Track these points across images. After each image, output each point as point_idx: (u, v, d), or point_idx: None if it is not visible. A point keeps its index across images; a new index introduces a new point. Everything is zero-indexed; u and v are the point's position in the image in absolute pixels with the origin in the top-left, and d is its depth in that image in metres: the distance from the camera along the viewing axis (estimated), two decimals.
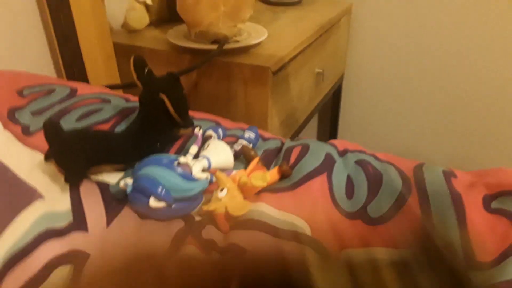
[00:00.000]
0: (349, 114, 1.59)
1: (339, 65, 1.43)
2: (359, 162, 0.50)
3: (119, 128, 0.52)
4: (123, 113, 0.56)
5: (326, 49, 1.22)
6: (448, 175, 0.47)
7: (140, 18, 1.02)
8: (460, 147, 1.44)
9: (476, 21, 1.26)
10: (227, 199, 0.41)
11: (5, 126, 0.51)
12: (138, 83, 0.48)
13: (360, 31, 1.43)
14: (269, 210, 0.42)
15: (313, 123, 1.68)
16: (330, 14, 1.20)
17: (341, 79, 1.48)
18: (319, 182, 0.46)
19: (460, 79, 1.35)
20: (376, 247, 0.39)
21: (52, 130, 0.39)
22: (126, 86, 0.77)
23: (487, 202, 0.43)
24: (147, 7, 1.03)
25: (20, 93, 0.58)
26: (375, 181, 0.46)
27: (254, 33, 0.97)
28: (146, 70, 0.47)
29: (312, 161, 0.49)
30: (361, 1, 1.38)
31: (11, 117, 0.53)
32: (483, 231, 0.39)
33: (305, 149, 0.51)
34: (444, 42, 1.32)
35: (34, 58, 0.86)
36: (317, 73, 1.16)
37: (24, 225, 0.37)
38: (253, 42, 0.89)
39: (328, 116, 1.61)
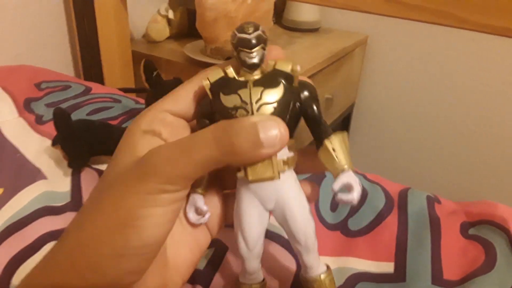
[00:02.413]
0: (357, 142, 1.61)
1: (351, 94, 1.46)
2: None
3: (126, 125, 0.56)
4: (131, 113, 0.59)
5: (338, 77, 1.25)
6: (432, 200, 0.48)
7: (161, 30, 1.08)
8: (466, 181, 1.45)
9: (492, 62, 1.28)
10: None
11: (20, 114, 0.55)
12: (146, 84, 0.51)
13: (374, 62, 1.46)
14: None
15: None
16: (345, 44, 1.24)
17: (351, 107, 1.51)
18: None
19: (470, 116, 1.37)
20: (351, 257, 0.41)
21: (61, 117, 0.42)
22: (138, 91, 0.81)
23: (464, 228, 0.45)
24: (168, 20, 1.09)
25: (38, 86, 0.63)
26: (360, 198, 0.48)
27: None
28: (154, 74, 0.51)
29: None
30: (377, 34, 1.41)
31: (27, 106, 0.57)
32: (455, 253, 0.41)
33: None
34: (457, 80, 1.35)
35: (56, 57, 0.91)
36: (326, 99, 1.19)
37: (25, 199, 0.41)
38: None
39: None
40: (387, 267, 0.39)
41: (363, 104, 1.53)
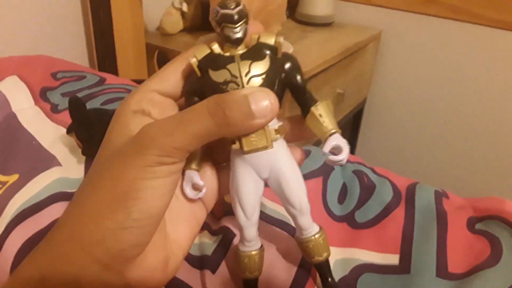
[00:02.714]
0: (368, 137, 1.61)
1: (363, 89, 1.45)
2: (356, 172, 0.52)
3: None
4: None
5: (350, 71, 1.25)
6: (440, 195, 0.48)
7: (175, 23, 1.08)
8: (475, 177, 1.44)
9: (505, 59, 1.27)
10: None
11: (36, 103, 0.56)
12: None
13: (387, 58, 1.45)
14: (263, 200, 0.45)
15: None
16: (358, 39, 1.24)
17: (363, 102, 1.50)
18: (314, 183, 0.49)
19: (482, 112, 1.36)
20: (357, 248, 0.41)
21: (76, 105, 0.43)
22: None
23: (471, 222, 0.45)
24: (182, 13, 1.09)
25: (54, 76, 0.64)
26: (367, 191, 0.48)
27: None
28: None
29: (310, 164, 0.51)
30: (391, 29, 1.40)
31: (43, 95, 0.58)
32: (461, 247, 0.41)
33: (306, 153, 0.54)
34: (469, 76, 1.34)
35: (71, 48, 0.92)
36: (338, 93, 1.19)
37: (40, 185, 0.42)
38: None
39: (347, 136, 1.63)
40: (392, 259, 0.40)
41: (375, 100, 1.53)
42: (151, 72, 0.94)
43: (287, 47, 1.00)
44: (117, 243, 0.23)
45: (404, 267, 0.39)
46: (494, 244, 0.41)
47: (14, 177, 0.44)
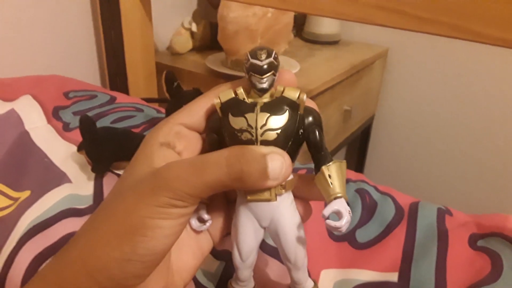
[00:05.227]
0: (377, 153, 1.61)
1: (370, 106, 1.46)
2: (358, 191, 0.52)
3: (147, 133, 0.58)
4: (152, 122, 0.62)
5: (357, 88, 1.26)
6: (443, 212, 0.48)
7: (184, 43, 1.11)
8: (485, 195, 1.43)
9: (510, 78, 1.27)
10: None
11: (49, 121, 0.58)
12: (167, 94, 0.54)
13: (394, 75, 1.46)
14: None
15: (340, 156, 1.71)
16: (365, 56, 1.25)
17: (371, 119, 1.51)
18: (315, 204, 0.49)
19: (491, 130, 1.35)
20: (357, 268, 0.42)
21: (86, 124, 0.45)
22: (160, 101, 0.83)
23: (473, 239, 0.45)
24: (192, 33, 1.12)
25: (66, 95, 0.66)
26: (369, 210, 0.49)
27: (286, 66, 1.03)
28: (175, 84, 0.53)
29: None
30: (397, 46, 1.42)
31: (55, 114, 0.60)
32: (461, 264, 0.41)
33: (309, 172, 0.55)
34: (477, 93, 1.34)
35: (84, 67, 0.95)
36: (345, 110, 1.20)
37: (51, 201, 0.43)
38: None
39: (356, 152, 1.63)
40: (391, 276, 0.40)
41: (383, 116, 1.53)
42: (160, 90, 0.96)
43: (294, 66, 1.02)
44: (119, 273, 0.24)
45: (403, 284, 0.39)
46: (495, 261, 0.41)
47: (26, 193, 0.45)
